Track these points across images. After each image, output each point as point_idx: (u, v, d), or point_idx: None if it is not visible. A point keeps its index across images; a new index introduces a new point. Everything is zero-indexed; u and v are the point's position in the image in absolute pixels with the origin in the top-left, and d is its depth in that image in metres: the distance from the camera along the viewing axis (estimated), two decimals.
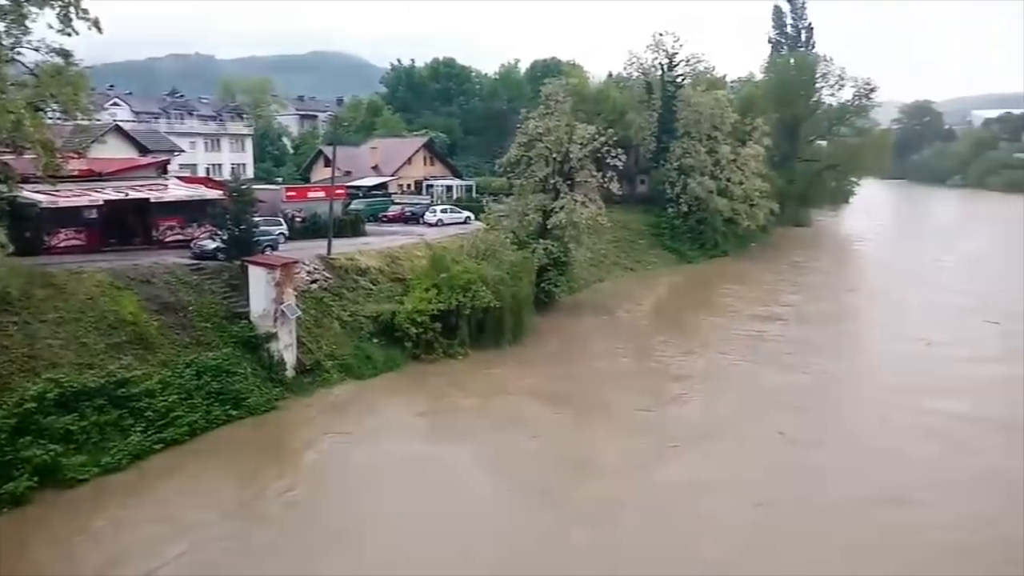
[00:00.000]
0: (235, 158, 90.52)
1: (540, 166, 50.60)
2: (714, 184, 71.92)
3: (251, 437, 29.40)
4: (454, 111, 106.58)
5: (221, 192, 43.82)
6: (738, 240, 76.64)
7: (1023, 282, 57.96)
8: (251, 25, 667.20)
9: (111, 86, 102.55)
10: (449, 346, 38.88)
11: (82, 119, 32.37)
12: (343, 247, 44.22)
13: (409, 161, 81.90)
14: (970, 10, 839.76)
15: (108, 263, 34.60)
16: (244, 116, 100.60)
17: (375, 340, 38.16)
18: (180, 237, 42.73)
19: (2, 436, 24.18)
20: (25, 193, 36.61)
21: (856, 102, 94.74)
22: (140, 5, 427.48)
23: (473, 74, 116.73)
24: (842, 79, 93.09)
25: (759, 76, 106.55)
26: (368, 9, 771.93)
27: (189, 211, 43.78)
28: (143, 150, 52.70)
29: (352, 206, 60.97)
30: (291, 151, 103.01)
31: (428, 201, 70.50)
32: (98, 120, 41.33)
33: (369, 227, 56.17)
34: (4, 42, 28.88)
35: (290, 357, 33.85)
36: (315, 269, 40.03)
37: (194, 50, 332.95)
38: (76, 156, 36.74)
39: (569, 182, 50.32)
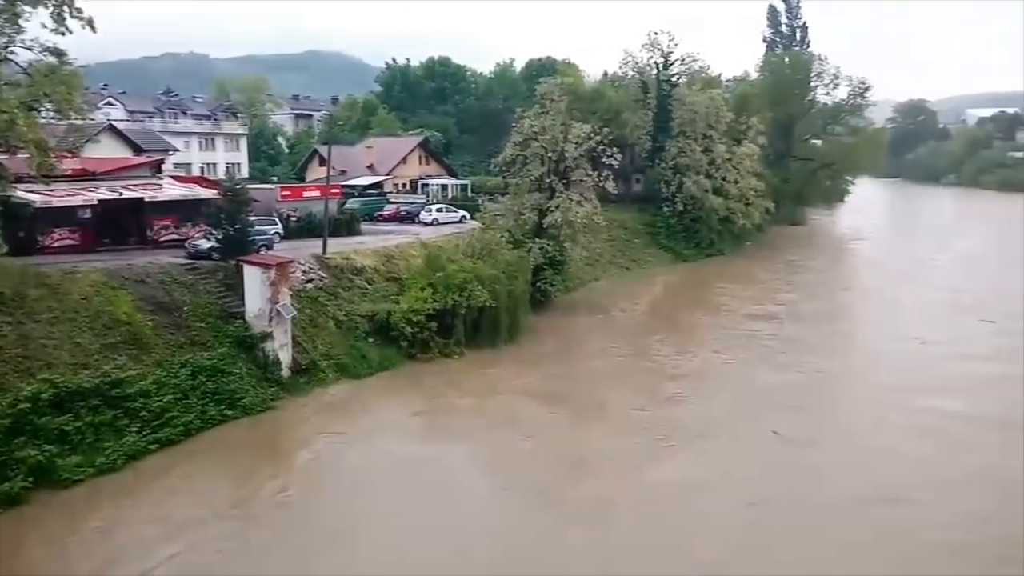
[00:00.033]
0: (230, 157, 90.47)
1: (536, 165, 50.60)
2: (709, 183, 72.08)
3: (246, 437, 29.34)
4: (449, 110, 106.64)
5: (216, 191, 43.65)
6: (734, 239, 76.86)
7: (1017, 281, 58.17)
8: (246, 24, 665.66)
9: (105, 85, 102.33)
10: (445, 345, 38.86)
11: (76, 118, 32.24)
12: (338, 246, 44.19)
13: (404, 160, 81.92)
14: (968, 10, 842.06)
15: (102, 263, 34.51)
16: (239, 115, 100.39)
17: (371, 339, 38.11)
18: (175, 237, 42.62)
19: None
20: (19, 193, 36.51)
21: (851, 101, 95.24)
22: (134, 4, 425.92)
23: (468, 73, 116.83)
24: (837, 78, 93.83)
25: (754, 75, 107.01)
26: (363, 8, 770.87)
27: (184, 210, 43.66)
28: (137, 149, 52.60)
29: (347, 205, 60.88)
30: (286, 150, 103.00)
31: (423, 200, 70.55)
32: (92, 119, 41.07)
33: (364, 226, 56.14)
34: None
35: (285, 357, 33.79)
36: (310, 268, 39.98)
37: (189, 49, 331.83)
38: (70, 155, 36.64)
39: (565, 181, 50.32)
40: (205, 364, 31.04)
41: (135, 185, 44.73)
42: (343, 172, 72.41)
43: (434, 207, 64.60)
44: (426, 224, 60.01)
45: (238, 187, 40.58)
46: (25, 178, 34.54)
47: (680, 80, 78.64)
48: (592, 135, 50.17)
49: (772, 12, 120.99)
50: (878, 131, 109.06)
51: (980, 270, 65.53)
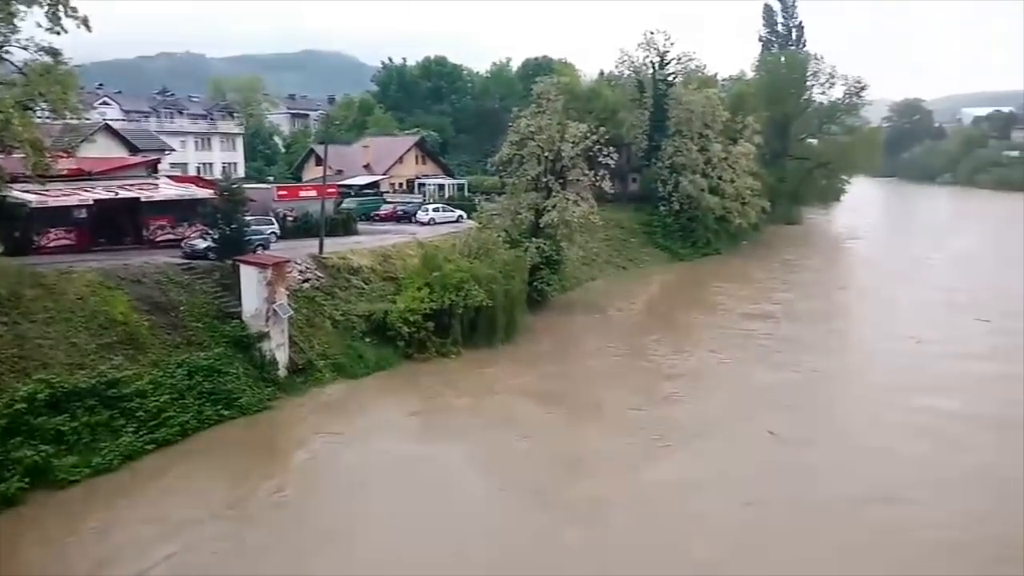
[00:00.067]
0: (226, 157, 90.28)
1: (532, 164, 50.57)
2: (705, 182, 72.12)
3: (243, 437, 29.32)
4: (446, 110, 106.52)
5: (212, 191, 43.66)
6: (730, 238, 76.94)
7: (1013, 280, 58.33)
8: (242, 24, 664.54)
9: (100, 85, 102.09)
10: (442, 345, 38.86)
11: (71, 118, 32.17)
12: (335, 246, 44.17)
13: (401, 160, 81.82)
14: (968, 10, 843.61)
15: (98, 263, 34.46)
16: (235, 115, 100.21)
17: (367, 339, 38.10)
18: (171, 236, 42.57)
19: None
20: (14, 193, 36.43)
21: (846, 100, 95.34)
22: (130, 4, 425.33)
23: (465, 72, 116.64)
24: (832, 77, 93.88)
25: (750, 74, 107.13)
26: (359, 8, 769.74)
27: (180, 210, 43.61)
28: (133, 149, 52.46)
29: (344, 205, 60.83)
30: (282, 150, 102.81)
31: (420, 200, 70.44)
32: (87, 119, 40.91)
33: (361, 226, 56.07)
34: None
35: (282, 356, 33.77)
36: (307, 268, 39.96)
37: (184, 49, 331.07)
38: (65, 155, 36.49)
39: (561, 180, 50.31)
40: (201, 364, 31.00)
41: (131, 185, 44.67)
42: (339, 172, 72.41)
43: (431, 207, 64.54)
44: (423, 224, 59.95)
45: (234, 187, 40.59)
46: (21, 178, 34.44)
47: (676, 79, 78.63)
48: (588, 134, 50.16)
49: (768, 11, 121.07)
50: (874, 130, 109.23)
51: (975, 269, 65.68)
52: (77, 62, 31.27)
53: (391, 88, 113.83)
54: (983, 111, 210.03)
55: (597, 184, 50.50)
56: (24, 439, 24.56)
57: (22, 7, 29.00)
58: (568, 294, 53.84)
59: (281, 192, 55.10)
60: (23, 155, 30.27)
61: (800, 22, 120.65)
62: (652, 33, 78.42)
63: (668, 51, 78.54)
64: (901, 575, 20.65)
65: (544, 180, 50.20)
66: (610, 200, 59.00)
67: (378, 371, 36.63)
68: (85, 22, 29.48)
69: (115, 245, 41.05)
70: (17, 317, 28.46)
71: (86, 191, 41.48)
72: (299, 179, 77.96)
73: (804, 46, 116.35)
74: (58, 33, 29.38)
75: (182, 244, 40.37)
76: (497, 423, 31.38)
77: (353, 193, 68.48)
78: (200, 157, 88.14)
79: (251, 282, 33.94)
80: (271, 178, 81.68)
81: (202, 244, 38.87)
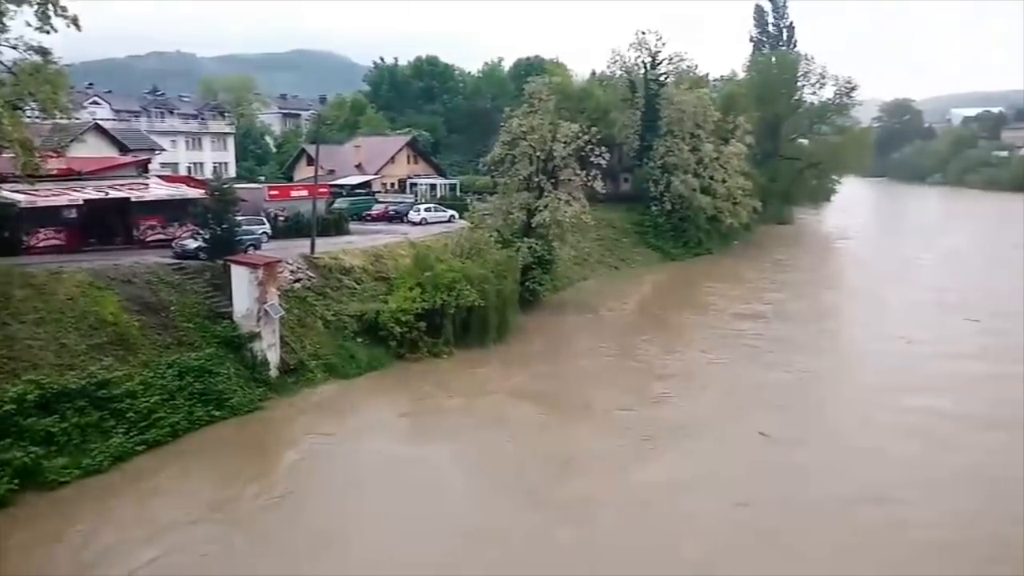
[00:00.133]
0: (217, 157, 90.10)
1: (524, 164, 50.62)
2: (697, 182, 72.28)
3: (234, 438, 29.22)
4: (437, 109, 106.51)
5: (203, 191, 43.46)
6: (721, 238, 77.15)
7: (1002, 280, 58.66)
8: (234, 23, 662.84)
9: (90, 84, 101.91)
10: (434, 345, 38.82)
11: (61, 118, 32.04)
12: (327, 246, 44.09)
13: (392, 160, 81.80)
14: (968, 10, 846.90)
15: (88, 263, 34.29)
16: (226, 114, 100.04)
17: (359, 339, 38.04)
18: (161, 236, 42.39)
19: None
20: (4, 193, 36.38)
21: (837, 100, 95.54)
22: (120, 3, 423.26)
23: (456, 72, 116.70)
24: (823, 77, 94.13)
25: (741, 75, 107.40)
26: (351, 8, 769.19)
27: (170, 210, 43.42)
28: (123, 149, 52.37)
29: (335, 205, 60.80)
30: (274, 150, 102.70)
31: (412, 200, 70.41)
32: (77, 119, 40.84)
33: (353, 226, 56.00)
34: None
35: (273, 357, 33.68)
36: (298, 268, 39.87)
37: (175, 48, 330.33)
38: (55, 155, 36.48)
39: (553, 180, 50.37)
40: (192, 365, 30.86)
41: (121, 185, 44.48)
42: (331, 171, 72.28)
43: (423, 206, 64.50)
44: (415, 224, 59.92)
45: (225, 187, 40.45)
46: (10, 178, 34.36)
47: (668, 79, 78.85)
48: (580, 134, 50.23)
49: (759, 12, 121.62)
50: (864, 130, 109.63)
51: (965, 269, 66.01)
52: (67, 61, 31.20)
53: (383, 88, 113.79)
54: (972, 111, 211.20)
55: (589, 184, 50.54)
56: (14, 440, 24.42)
57: (11, 6, 28.89)
58: (560, 294, 53.87)
59: (272, 192, 55.04)
60: (12, 155, 30.17)
61: (791, 22, 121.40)
62: (644, 33, 78.69)
63: (660, 51, 78.84)
64: (893, 575, 20.72)
65: (536, 180, 50.25)
66: (602, 200, 58.99)
67: (370, 371, 36.57)
68: (75, 21, 29.39)
69: (105, 245, 40.86)
70: (6, 318, 28.32)
71: (76, 191, 41.28)
72: (290, 179, 77.96)
73: (795, 46, 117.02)
74: (48, 32, 29.28)
75: (173, 244, 40.20)
76: (489, 423, 31.36)
77: (345, 193, 68.49)
78: (191, 157, 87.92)
79: (242, 282, 33.83)
80: (262, 178, 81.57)
81: (193, 244, 38.72)
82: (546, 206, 48.84)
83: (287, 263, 38.67)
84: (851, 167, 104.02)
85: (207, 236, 37.76)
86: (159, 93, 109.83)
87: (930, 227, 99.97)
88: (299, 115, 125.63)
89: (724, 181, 73.97)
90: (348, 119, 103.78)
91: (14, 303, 29.02)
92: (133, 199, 42.71)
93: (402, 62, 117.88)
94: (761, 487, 25.49)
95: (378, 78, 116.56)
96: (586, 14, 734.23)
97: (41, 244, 39.16)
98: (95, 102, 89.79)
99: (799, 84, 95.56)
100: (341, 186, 70.09)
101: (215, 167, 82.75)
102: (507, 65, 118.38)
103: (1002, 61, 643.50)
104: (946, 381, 35.75)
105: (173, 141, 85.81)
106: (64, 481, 24.46)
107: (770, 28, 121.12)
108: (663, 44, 78.58)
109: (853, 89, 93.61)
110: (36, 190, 37.18)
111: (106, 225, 42.15)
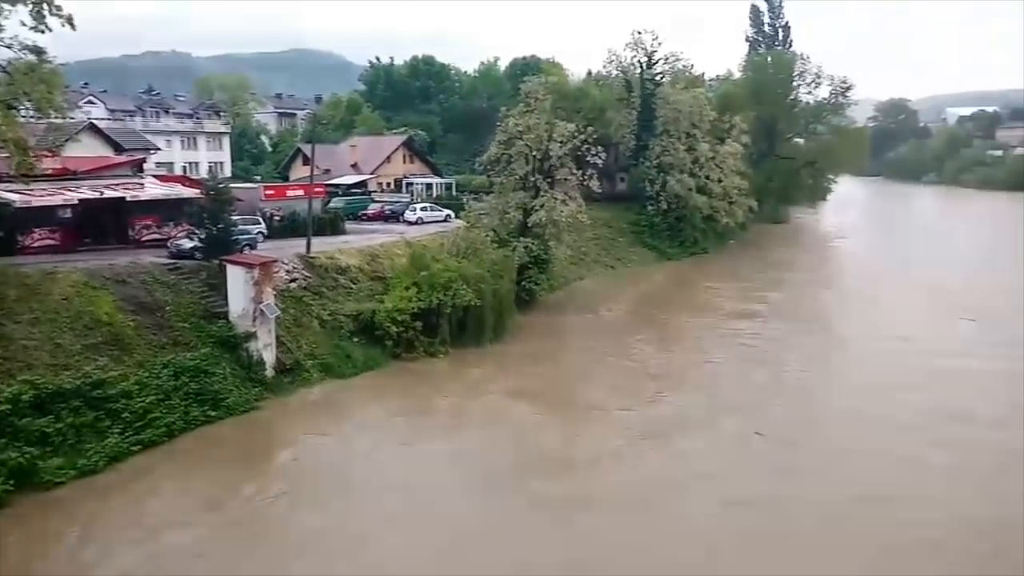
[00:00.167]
0: (212, 156, 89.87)
1: (520, 164, 50.56)
2: (693, 182, 72.32)
3: (230, 438, 29.18)
4: (433, 109, 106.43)
5: (198, 191, 43.41)
6: (717, 237, 77.28)
7: (998, 278, 58.73)
8: (229, 23, 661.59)
9: (85, 84, 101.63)
10: (430, 345, 38.80)
11: (56, 117, 32.00)
12: (322, 246, 44.02)
13: (388, 159, 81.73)
14: (968, 10, 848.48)
15: (83, 263, 34.22)
16: (221, 114, 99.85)
17: (355, 339, 38.00)
18: (157, 236, 42.35)
19: None
20: None
21: (832, 100, 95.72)
22: (115, 2, 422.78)
23: (452, 72, 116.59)
24: (819, 77, 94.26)
25: (737, 74, 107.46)
26: (347, 7, 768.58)
27: (166, 210, 43.36)
28: (118, 148, 52.05)
29: (331, 204, 60.72)
30: (269, 149, 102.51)
31: (408, 199, 70.40)
32: (72, 118, 40.85)
33: (349, 225, 55.94)
34: None
35: (269, 357, 33.63)
36: (294, 268, 39.82)
37: (170, 47, 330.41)
38: (50, 155, 36.33)
39: (549, 180, 50.34)
40: (188, 364, 30.82)
41: (116, 184, 44.34)
42: (327, 171, 72.23)
43: (419, 206, 64.43)
44: (411, 223, 59.84)
45: (221, 186, 40.42)
46: (5, 178, 34.24)
47: (664, 79, 78.83)
48: (576, 134, 50.24)
49: (755, 12, 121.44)
50: (860, 130, 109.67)
51: (961, 268, 66.01)
52: (61, 61, 31.12)
53: (379, 87, 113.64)
54: (967, 111, 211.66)
55: (585, 183, 50.58)
56: (8, 441, 24.38)
57: (6, 5, 28.83)
58: (556, 293, 53.88)
59: (268, 191, 54.89)
60: (7, 155, 30.12)
61: (787, 22, 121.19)
62: (640, 33, 78.69)
63: (656, 51, 78.84)
64: (886, 574, 20.73)
65: (532, 179, 50.22)
66: (598, 199, 59.08)
67: (366, 371, 36.53)
68: (70, 20, 29.33)
69: (100, 245, 40.74)
70: (1, 318, 28.23)
71: (71, 191, 41.14)
72: (286, 178, 77.76)
73: (791, 46, 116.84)
74: (42, 31, 29.22)
75: (168, 244, 40.13)
76: (484, 423, 31.38)
77: (341, 192, 68.35)
78: (186, 156, 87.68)
79: (238, 282, 33.79)
80: (258, 177, 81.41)
81: (188, 244, 38.67)
82: (542, 206, 48.83)
83: (283, 263, 38.62)
84: (847, 166, 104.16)
85: (203, 236, 37.73)
86: (154, 92, 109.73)
87: (925, 225, 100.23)
88: (295, 114, 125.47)
89: (720, 180, 74.04)
90: (344, 119, 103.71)
91: (8, 303, 28.94)
92: (128, 199, 42.62)
93: (398, 61, 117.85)
94: (755, 487, 25.44)
95: (374, 77, 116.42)
96: (583, 14, 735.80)
97: (36, 244, 39.05)
98: (90, 101, 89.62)
99: (795, 84, 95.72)
100: (337, 186, 69.96)
101: (211, 167, 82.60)
102: (503, 65, 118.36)
103: (1001, 60, 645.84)
104: (941, 380, 35.66)
105: (168, 141, 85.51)
106: (59, 482, 24.43)
107: (766, 28, 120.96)
108: (659, 44, 78.81)
109: (848, 88, 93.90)
110: (31, 190, 37.11)
111: (101, 225, 42.05)
